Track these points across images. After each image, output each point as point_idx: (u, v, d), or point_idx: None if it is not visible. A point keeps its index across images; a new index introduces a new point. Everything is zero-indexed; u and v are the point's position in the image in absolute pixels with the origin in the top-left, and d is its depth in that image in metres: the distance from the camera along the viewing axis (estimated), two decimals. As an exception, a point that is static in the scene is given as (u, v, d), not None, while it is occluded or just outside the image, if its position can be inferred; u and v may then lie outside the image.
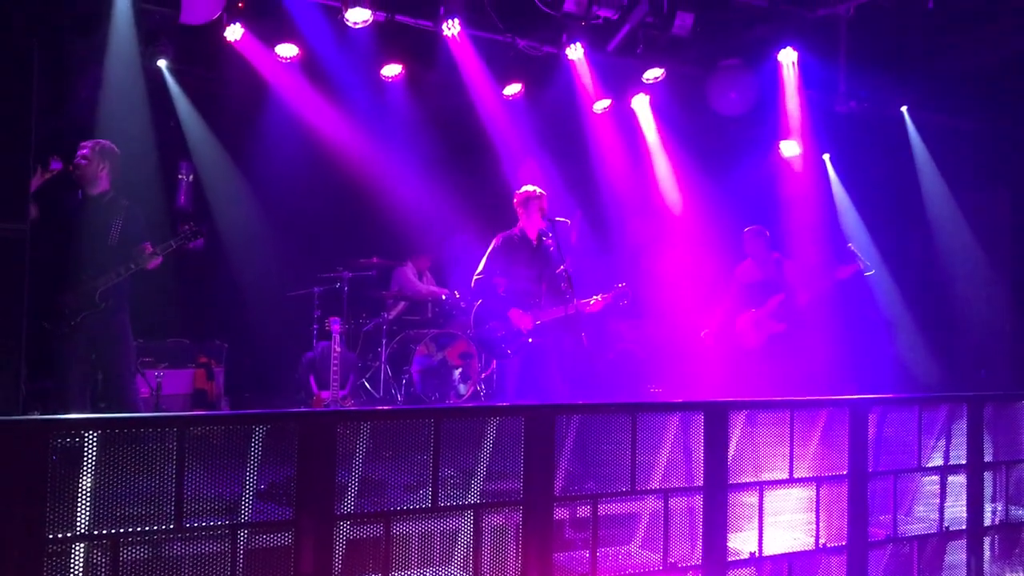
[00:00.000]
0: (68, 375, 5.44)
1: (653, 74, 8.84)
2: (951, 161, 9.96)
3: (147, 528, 2.90)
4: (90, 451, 2.82)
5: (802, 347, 7.98)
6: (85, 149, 5.62)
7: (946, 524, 4.91)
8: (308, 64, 8.18)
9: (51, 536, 2.75)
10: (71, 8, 6.88)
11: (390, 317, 8.27)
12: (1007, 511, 5.20)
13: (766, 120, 9.48)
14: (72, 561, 2.79)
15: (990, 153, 9.83)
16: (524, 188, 6.69)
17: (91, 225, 5.53)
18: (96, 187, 5.66)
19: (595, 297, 6.52)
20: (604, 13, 8.03)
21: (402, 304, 8.74)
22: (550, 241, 6.52)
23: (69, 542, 2.79)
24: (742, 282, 8.14)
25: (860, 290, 8.84)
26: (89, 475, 2.82)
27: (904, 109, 9.86)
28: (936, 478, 4.93)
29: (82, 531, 2.81)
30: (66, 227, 5.51)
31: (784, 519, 4.41)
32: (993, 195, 10.09)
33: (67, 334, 5.40)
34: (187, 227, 5.73)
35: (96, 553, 2.84)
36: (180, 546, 3.01)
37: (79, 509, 2.81)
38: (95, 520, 2.83)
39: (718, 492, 4.11)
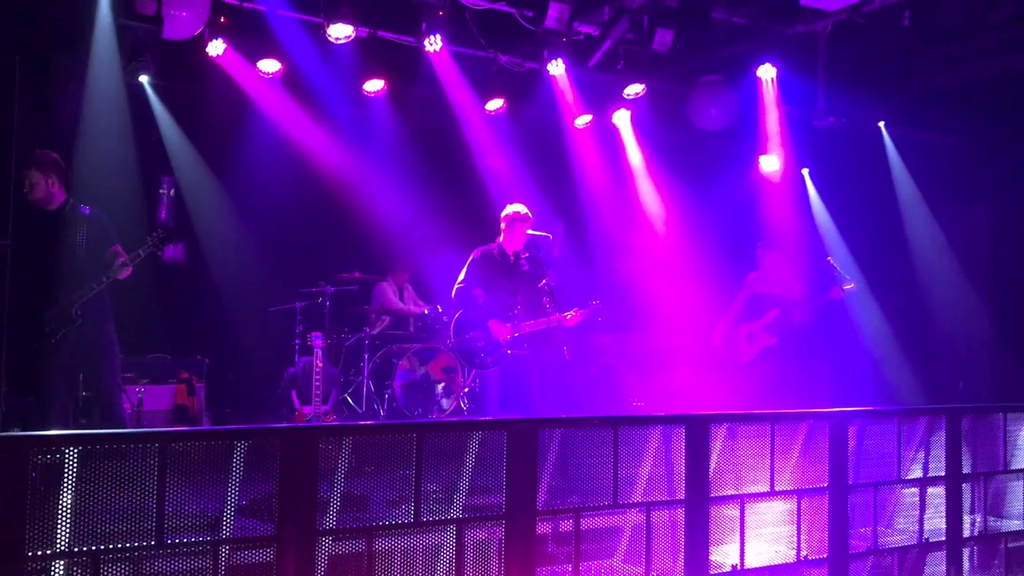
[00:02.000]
0: (52, 392, 5.40)
1: (634, 90, 8.90)
2: (929, 176, 10.05)
3: (128, 545, 2.89)
4: (70, 467, 2.81)
5: (793, 361, 8.07)
6: (28, 176, 5.50)
7: (926, 536, 4.94)
8: (290, 79, 8.19)
9: (30, 554, 2.73)
10: (53, 23, 6.86)
11: (373, 332, 8.26)
12: (986, 522, 5.25)
13: (746, 135, 9.56)
14: (52, 579, 2.78)
15: (967, 168, 9.93)
16: (514, 207, 6.73)
17: (59, 239, 5.48)
18: (54, 202, 5.61)
19: (571, 312, 6.58)
20: (585, 29, 8.11)
21: (385, 319, 8.73)
22: (525, 260, 6.61)
23: (49, 559, 2.77)
24: (748, 293, 8.25)
25: (839, 304, 8.92)
26: (69, 491, 2.80)
27: (882, 124, 9.95)
28: (916, 490, 4.97)
29: (62, 548, 2.79)
30: (39, 245, 5.45)
31: (766, 532, 4.43)
32: (970, 209, 10.19)
33: (51, 351, 5.36)
34: (155, 234, 5.66)
35: (76, 570, 2.83)
36: (161, 563, 3.00)
37: (59, 526, 2.79)
38: (75, 537, 2.81)
39: (700, 505, 4.13)
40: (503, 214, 6.72)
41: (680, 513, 4.10)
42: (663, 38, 7.82)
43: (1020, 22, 7.99)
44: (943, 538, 5.02)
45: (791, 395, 7.69)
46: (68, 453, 2.81)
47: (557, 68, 8.44)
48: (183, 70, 8.11)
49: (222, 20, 7.46)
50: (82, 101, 7.50)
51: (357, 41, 7.65)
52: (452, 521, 3.54)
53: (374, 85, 8.48)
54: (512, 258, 6.67)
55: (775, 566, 4.39)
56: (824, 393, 8.25)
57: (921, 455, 5.01)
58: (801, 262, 9.07)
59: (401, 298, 8.94)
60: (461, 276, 6.66)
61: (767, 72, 9.01)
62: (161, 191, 8.71)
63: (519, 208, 6.70)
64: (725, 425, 4.30)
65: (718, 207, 9.59)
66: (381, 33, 7.91)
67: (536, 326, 6.47)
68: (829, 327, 8.69)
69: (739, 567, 4.25)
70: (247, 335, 8.74)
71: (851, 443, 4.67)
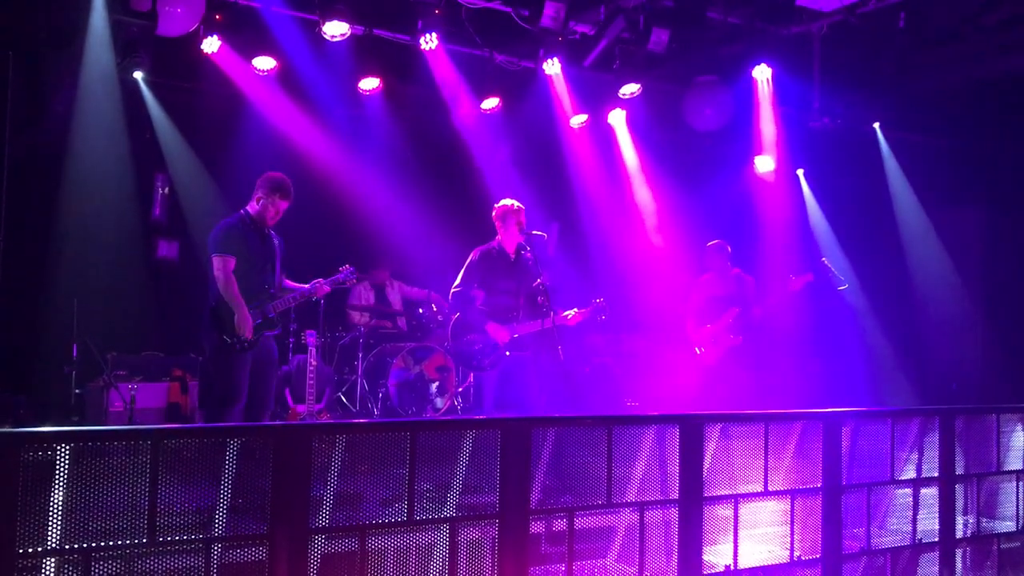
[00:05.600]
0: (235, 389, 5.67)
1: (629, 89, 8.89)
2: (923, 177, 10.09)
3: (119, 543, 2.88)
4: (62, 464, 2.80)
5: (761, 359, 8.08)
6: (282, 207, 5.91)
7: (919, 536, 4.95)
8: (285, 77, 8.16)
9: (21, 551, 2.72)
10: (47, 21, 6.84)
11: (363, 329, 8.22)
12: (978, 523, 5.26)
13: (741, 136, 9.56)
14: (43, 576, 2.77)
15: (961, 170, 9.97)
16: (502, 202, 6.70)
17: (268, 254, 5.93)
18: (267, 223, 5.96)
19: (572, 311, 6.53)
20: (581, 29, 8.10)
21: (365, 316, 8.68)
22: (528, 255, 6.53)
23: (40, 557, 2.76)
24: (703, 296, 8.23)
25: (832, 304, 8.93)
26: (61, 488, 2.79)
27: (877, 126, 9.98)
28: (909, 491, 4.98)
29: (53, 546, 2.78)
30: (260, 256, 5.88)
31: (759, 532, 4.43)
32: (964, 210, 10.23)
33: (243, 349, 5.68)
34: (350, 267, 6.34)
35: (67, 568, 2.82)
36: (153, 561, 2.99)
37: (50, 523, 2.78)
38: (66, 534, 2.80)
39: (693, 505, 4.13)
40: (494, 212, 6.69)
41: (674, 513, 4.10)
42: (659, 38, 7.82)
43: (1014, 25, 8.01)
44: (936, 539, 5.03)
45: (765, 394, 7.71)
46: (59, 450, 2.80)
47: (553, 67, 8.43)
48: (178, 67, 8.07)
49: (217, 17, 7.42)
50: (76, 98, 7.47)
51: (353, 39, 7.64)
52: (445, 520, 3.53)
53: (370, 83, 8.46)
54: (513, 255, 6.63)
55: (768, 566, 4.39)
56: (805, 392, 8.28)
57: (915, 456, 5.02)
58: (770, 260, 9.10)
59: (385, 295, 8.88)
60: (458, 279, 6.60)
61: (762, 72, 9.02)
62: (155, 188, 8.68)
63: (508, 201, 6.67)
64: (719, 425, 4.30)
65: (713, 207, 9.60)
66: (377, 31, 7.90)
67: (536, 327, 6.42)
68: (801, 322, 8.71)
69: (732, 567, 4.25)
70: (241, 333, 8.70)
71: (845, 443, 4.67)
